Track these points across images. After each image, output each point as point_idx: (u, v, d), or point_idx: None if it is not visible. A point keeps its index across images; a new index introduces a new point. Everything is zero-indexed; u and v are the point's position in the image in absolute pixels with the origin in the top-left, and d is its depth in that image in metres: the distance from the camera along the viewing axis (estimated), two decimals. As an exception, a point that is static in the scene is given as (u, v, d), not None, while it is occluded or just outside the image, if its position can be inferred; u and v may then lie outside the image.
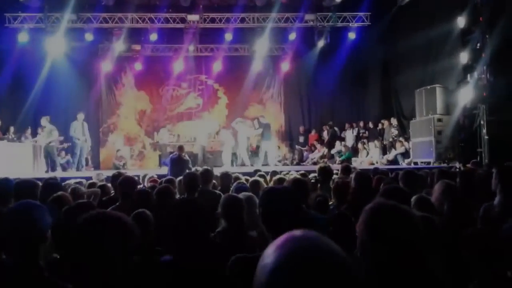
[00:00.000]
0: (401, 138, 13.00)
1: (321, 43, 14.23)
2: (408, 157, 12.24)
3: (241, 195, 3.16)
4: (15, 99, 14.01)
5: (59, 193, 3.30)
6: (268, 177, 5.86)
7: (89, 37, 13.54)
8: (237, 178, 5.27)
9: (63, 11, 12.62)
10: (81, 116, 12.19)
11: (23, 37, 13.01)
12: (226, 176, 5.27)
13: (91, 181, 6.10)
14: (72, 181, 5.83)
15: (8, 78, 13.18)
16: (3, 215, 1.98)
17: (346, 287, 0.69)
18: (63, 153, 13.64)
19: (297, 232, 0.76)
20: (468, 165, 7.30)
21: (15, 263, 1.79)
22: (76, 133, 12.03)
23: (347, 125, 15.18)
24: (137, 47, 15.01)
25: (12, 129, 13.01)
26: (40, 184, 3.82)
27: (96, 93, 15.72)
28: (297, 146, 15.78)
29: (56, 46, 13.23)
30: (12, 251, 1.80)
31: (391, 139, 13.40)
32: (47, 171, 11.31)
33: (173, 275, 1.87)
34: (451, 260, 2.09)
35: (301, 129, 16.17)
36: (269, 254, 0.74)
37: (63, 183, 5.11)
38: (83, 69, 15.05)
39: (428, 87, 11.45)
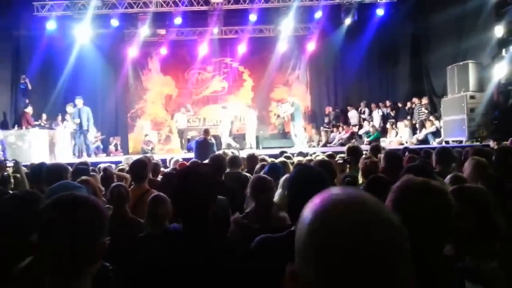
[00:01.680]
0: (431, 117, 12.64)
1: (348, 21, 13.88)
2: (439, 136, 11.90)
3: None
4: (45, 86, 14.41)
5: (84, 177, 3.35)
6: (294, 159, 5.79)
7: (114, 23, 13.67)
8: (263, 160, 5.24)
9: (89, -3, 12.75)
10: (79, 101, 11.98)
11: (51, 25, 13.25)
12: (252, 158, 5.25)
13: (120, 165, 6.21)
14: (101, 166, 5.97)
15: (37, 66, 13.53)
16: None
17: (392, 238, 0.65)
18: (93, 138, 13.96)
19: (334, 189, 0.72)
20: (506, 143, 7.00)
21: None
22: (74, 120, 11.99)
23: (373, 105, 14.85)
24: (162, 31, 15.05)
25: (44, 116, 13.38)
26: (70, 168, 3.90)
27: (123, 78, 15.92)
28: (322, 127, 15.58)
29: (83, 33, 13.44)
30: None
31: (421, 118, 13.04)
32: (79, 156, 11.60)
33: (179, 244, 1.79)
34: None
35: (327, 110, 15.94)
36: (307, 211, 0.71)
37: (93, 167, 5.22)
38: (109, 55, 15.24)
39: (461, 63, 11.02)
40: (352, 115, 15.25)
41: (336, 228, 0.64)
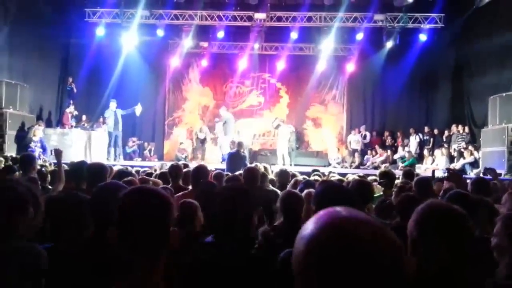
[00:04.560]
0: (470, 147, 12.30)
1: (389, 44, 13.81)
2: (477, 167, 11.56)
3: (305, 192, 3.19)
4: (91, 90, 15.06)
5: (129, 178, 3.50)
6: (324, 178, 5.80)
7: (160, 32, 14.13)
8: (294, 176, 5.28)
9: (138, 7, 13.30)
10: (113, 104, 12.49)
11: (100, 31, 13.85)
12: (284, 174, 5.30)
13: (148, 170, 6.41)
14: (135, 170, 6.18)
15: (85, 70, 14.20)
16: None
17: (388, 254, 0.69)
18: (131, 142, 14.39)
19: (337, 207, 0.78)
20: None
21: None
22: (109, 122, 12.43)
23: (411, 131, 14.60)
24: (205, 44, 15.42)
25: (84, 117, 13.93)
26: (109, 168, 4.07)
27: (164, 87, 16.38)
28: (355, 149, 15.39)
29: (129, 41, 13.98)
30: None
31: (459, 147, 12.72)
32: (114, 159, 11.98)
33: (211, 256, 1.90)
34: None
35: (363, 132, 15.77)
36: (307, 226, 0.76)
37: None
38: (153, 64, 15.75)
39: (504, 94, 10.73)
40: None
41: (333, 241, 0.70)
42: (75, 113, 13.60)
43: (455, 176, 3.66)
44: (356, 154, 14.95)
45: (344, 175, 7.13)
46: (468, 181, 4.41)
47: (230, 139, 12.23)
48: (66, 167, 4.98)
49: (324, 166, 12.75)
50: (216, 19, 14.01)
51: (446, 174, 4.14)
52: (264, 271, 1.94)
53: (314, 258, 0.71)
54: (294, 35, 14.06)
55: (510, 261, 1.68)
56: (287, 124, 14.44)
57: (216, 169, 7.38)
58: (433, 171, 5.41)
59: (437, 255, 1.29)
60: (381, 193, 4.51)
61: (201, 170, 4.11)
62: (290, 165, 12.92)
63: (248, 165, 7.79)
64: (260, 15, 13.57)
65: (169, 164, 7.42)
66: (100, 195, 2.05)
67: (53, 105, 14.21)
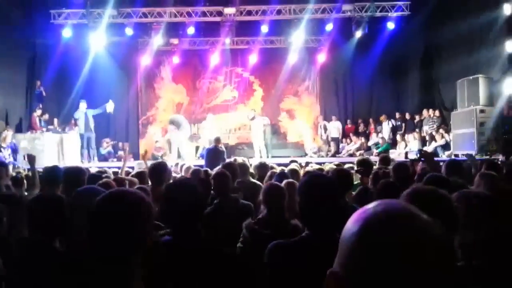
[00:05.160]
0: (441, 130, 12.66)
1: (358, 34, 13.99)
2: (449, 149, 11.91)
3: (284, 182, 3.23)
4: (60, 92, 14.73)
5: (105, 179, 3.46)
6: (302, 170, 5.86)
7: (129, 31, 13.90)
8: (272, 168, 5.32)
9: (105, 7, 13.02)
10: (83, 105, 12.27)
11: (67, 33, 13.51)
12: (263, 166, 5.34)
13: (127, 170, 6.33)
14: (112, 171, 6.10)
15: (53, 72, 13.85)
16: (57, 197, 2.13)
17: (440, 247, 0.71)
18: (105, 144, 14.16)
19: (385, 201, 0.77)
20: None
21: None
22: (79, 124, 12.22)
23: (383, 117, 14.90)
24: (175, 41, 15.28)
25: (56, 121, 13.62)
26: (87, 171, 4.01)
27: (136, 86, 16.17)
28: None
29: (97, 41, 13.69)
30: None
31: (431, 131, 13.06)
32: (89, 161, 11.77)
33: (170, 255, 1.91)
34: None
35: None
36: (352, 222, 0.75)
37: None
38: (123, 63, 15.49)
39: (471, 77, 11.06)
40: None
41: (389, 236, 0.70)
42: (46, 117, 13.28)
43: (428, 155, 3.77)
44: (332, 143, 15.15)
45: (321, 164, 7.24)
46: (441, 163, 4.55)
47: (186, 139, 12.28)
48: (40, 171, 4.89)
49: (301, 156, 12.86)
50: (186, 15, 13.87)
51: (418, 156, 4.26)
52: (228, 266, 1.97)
53: (371, 249, 0.70)
54: (264, 28, 14.08)
55: None
56: (262, 116, 14.47)
57: (195, 165, 7.37)
58: (406, 153, 5.55)
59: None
60: (359, 181, 4.60)
61: (157, 168, 4.03)
62: (267, 157, 12.98)
63: (227, 160, 7.81)
64: (229, 10, 13.51)
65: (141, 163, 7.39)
66: (78, 202, 2.06)
67: (22, 110, 13.81)
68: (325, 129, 15.44)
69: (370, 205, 0.75)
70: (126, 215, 1.33)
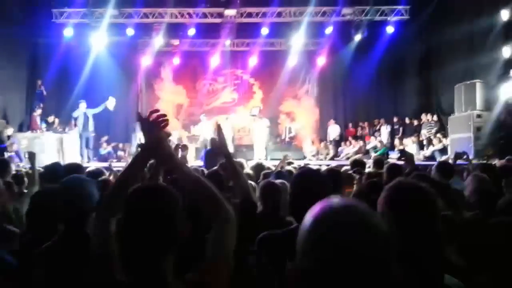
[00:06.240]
0: (439, 134, 12.74)
1: (358, 37, 14.08)
2: (446, 153, 11.97)
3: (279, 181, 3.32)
4: (61, 92, 14.74)
5: (104, 177, 3.53)
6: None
7: (130, 32, 13.97)
8: (269, 169, 5.39)
9: (106, 6, 13.10)
10: (83, 105, 12.24)
11: (68, 32, 13.57)
12: (259, 167, 5.41)
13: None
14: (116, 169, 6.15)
15: (54, 72, 13.89)
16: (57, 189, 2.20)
17: (378, 239, 0.78)
18: (104, 144, 14.21)
19: (333, 197, 0.86)
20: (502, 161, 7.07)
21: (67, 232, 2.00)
22: (78, 123, 12.22)
23: (382, 121, 14.99)
24: (176, 42, 15.34)
25: (56, 121, 13.68)
26: (86, 168, 4.08)
27: (136, 86, 16.22)
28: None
29: (98, 41, 13.78)
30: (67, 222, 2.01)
31: (429, 135, 13.14)
32: (88, 161, 11.82)
33: None
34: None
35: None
36: (307, 218, 0.84)
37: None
38: (123, 63, 15.53)
39: (468, 82, 11.15)
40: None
41: (331, 228, 0.78)
42: (51, 119, 13.36)
43: (409, 155, 3.85)
44: (331, 146, 15.22)
45: (319, 166, 7.31)
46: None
47: None
48: (40, 169, 4.95)
49: (300, 159, 12.92)
50: (187, 16, 13.96)
51: (399, 155, 4.37)
52: None
53: (302, 246, 0.79)
54: (265, 31, 14.17)
55: None
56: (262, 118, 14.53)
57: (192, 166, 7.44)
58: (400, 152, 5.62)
59: (406, 232, 1.37)
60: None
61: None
62: (266, 159, 13.04)
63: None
64: (230, 12, 13.59)
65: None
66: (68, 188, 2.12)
67: (23, 109, 13.88)
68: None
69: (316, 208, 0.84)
70: (164, 212, 1.32)
